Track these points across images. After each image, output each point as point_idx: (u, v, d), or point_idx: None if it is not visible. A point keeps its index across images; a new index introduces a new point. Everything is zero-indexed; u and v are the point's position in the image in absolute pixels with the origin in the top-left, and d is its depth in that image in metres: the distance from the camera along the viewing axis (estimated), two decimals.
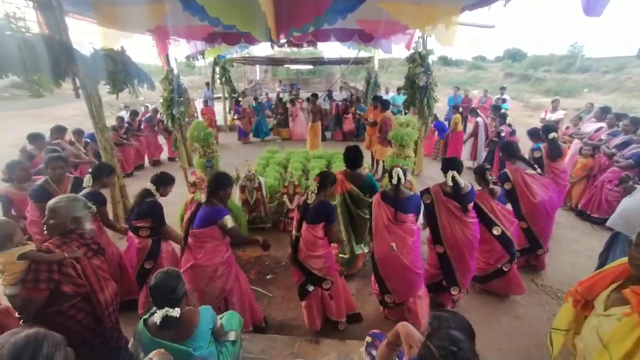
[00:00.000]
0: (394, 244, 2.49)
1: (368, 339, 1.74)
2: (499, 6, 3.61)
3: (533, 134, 4.65)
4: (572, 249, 4.10)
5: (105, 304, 1.88)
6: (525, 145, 4.61)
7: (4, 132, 10.54)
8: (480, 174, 3.00)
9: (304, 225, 2.55)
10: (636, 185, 2.71)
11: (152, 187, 2.66)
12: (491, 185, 2.99)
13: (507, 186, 3.32)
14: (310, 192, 2.57)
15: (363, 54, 9.89)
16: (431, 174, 6.65)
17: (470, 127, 7.59)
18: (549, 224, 3.53)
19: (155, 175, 2.78)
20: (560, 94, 16.99)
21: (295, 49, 13.23)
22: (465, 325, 1.28)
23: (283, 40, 7.07)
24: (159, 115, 8.07)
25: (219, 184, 2.49)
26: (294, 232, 2.67)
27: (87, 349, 1.82)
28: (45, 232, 1.87)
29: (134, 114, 7.82)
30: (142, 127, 7.80)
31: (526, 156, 3.72)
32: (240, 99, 10.90)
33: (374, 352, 1.64)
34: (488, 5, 3.77)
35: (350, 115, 10.00)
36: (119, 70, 4.39)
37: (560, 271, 3.64)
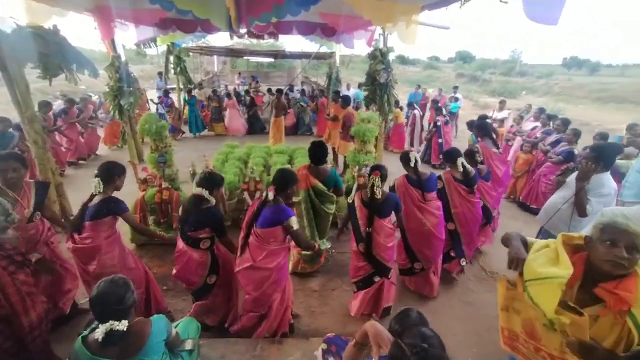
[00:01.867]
0: (426, 221, 2.86)
1: (323, 345, 1.69)
2: (454, 8, 3.78)
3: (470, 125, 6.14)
4: None
5: (29, 327, 1.63)
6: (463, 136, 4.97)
7: None
8: (470, 156, 3.40)
9: (377, 220, 2.59)
10: (565, 180, 3.02)
11: (205, 192, 2.25)
12: (479, 165, 3.44)
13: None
14: (376, 187, 2.53)
15: (325, 49, 9.88)
16: (391, 169, 6.84)
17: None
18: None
19: (201, 177, 2.36)
20: (503, 95, 18.60)
21: (255, 41, 12.81)
22: (424, 320, 1.30)
23: (243, 31, 6.78)
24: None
25: (287, 181, 2.33)
26: (362, 228, 2.65)
27: None
28: None
29: (70, 102, 6.96)
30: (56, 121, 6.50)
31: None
32: (197, 90, 10.31)
33: (331, 359, 1.60)
34: (446, 6, 3.93)
35: (291, 110, 9.94)
36: (53, 53, 3.87)
37: (504, 258, 3.95)
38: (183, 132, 9.29)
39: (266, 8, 3.36)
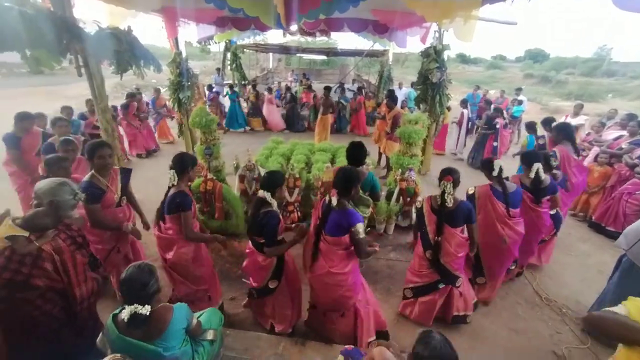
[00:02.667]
0: (506, 238, 2.69)
1: (340, 357, 1.61)
2: (522, 1, 3.36)
3: (529, 126, 5.64)
4: (582, 262, 3.89)
5: (80, 298, 1.81)
6: None
7: (17, 109, 10.71)
8: (544, 160, 3.12)
9: (448, 228, 2.45)
10: None
11: (267, 194, 2.13)
12: (554, 171, 3.22)
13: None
14: (447, 194, 2.37)
15: (378, 46, 9.61)
16: (434, 172, 6.43)
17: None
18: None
19: (264, 177, 2.24)
20: (582, 98, 16.27)
21: (309, 39, 12.96)
22: (449, 356, 1.14)
23: (294, 28, 6.87)
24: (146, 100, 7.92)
25: (349, 181, 2.14)
26: (431, 236, 2.53)
27: (55, 337, 1.76)
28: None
29: (131, 96, 7.28)
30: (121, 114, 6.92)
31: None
32: (249, 85, 10.76)
33: None
34: None
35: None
36: (124, 50, 4.30)
37: (568, 286, 3.45)
38: (226, 129, 9.30)
39: (314, 4, 3.33)
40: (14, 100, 12.10)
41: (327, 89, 8.24)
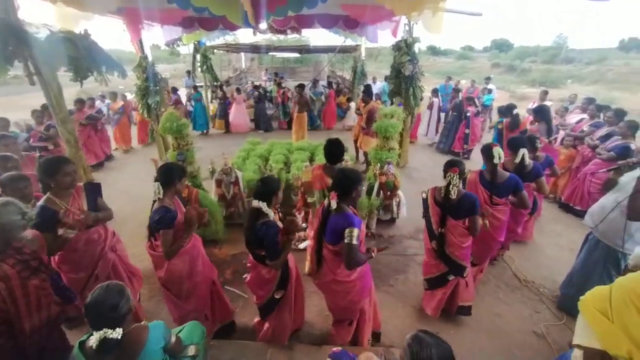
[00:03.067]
0: (487, 222, 2.65)
1: None
2: None
3: (500, 111, 6.15)
4: (555, 242, 4.08)
5: (31, 330, 1.65)
6: None
7: None
8: (530, 142, 3.27)
9: (451, 220, 2.45)
10: (618, 180, 2.62)
11: (263, 204, 1.97)
12: (538, 153, 3.35)
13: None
14: (452, 186, 2.33)
15: (350, 41, 9.63)
16: (417, 166, 6.55)
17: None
18: None
19: (258, 185, 2.07)
20: (545, 85, 17.16)
21: (280, 37, 12.80)
22: (446, 355, 1.13)
23: (264, 27, 6.74)
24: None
25: (348, 182, 1.99)
26: (435, 227, 2.55)
27: None
28: None
29: (80, 102, 6.59)
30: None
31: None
32: (223, 87, 10.49)
33: None
34: None
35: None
36: (82, 56, 4.04)
37: (544, 265, 3.60)
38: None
39: (281, 1, 3.24)
40: None
41: (301, 87, 8.17)
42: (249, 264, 2.28)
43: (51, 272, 1.89)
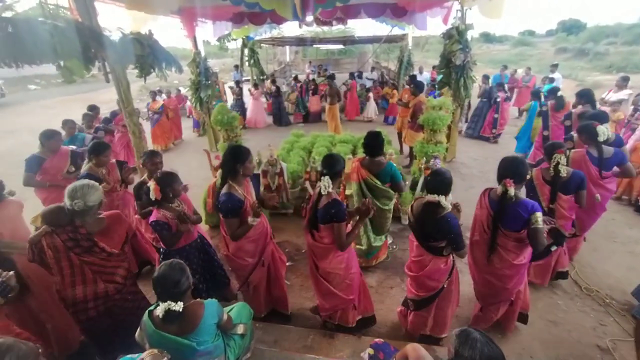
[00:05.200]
0: (598, 196, 2.88)
1: (370, 350, 1.60)
2: None
3: (534, 94, 6.35)
4: (629, 249, 3.62)
5: (73, 300, 1.88)
6: None
7: (55, 117, 11.45)
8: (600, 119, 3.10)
9: (562, 196, 2.67)
10: None
11: (441, 198, 1.97)
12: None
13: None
14: (561, 165, 2.56)
15: (396, 31, 9.28)
16: (465, 161, 6.19)
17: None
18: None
19: (431, 180, 2.08)
20: (625, 70, 14.88)
21: (325, 28, 12.75)
22: (495, 358, 1.09)
23: (310, 19, 6.77)
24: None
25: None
26: (545, 204, 2.71)
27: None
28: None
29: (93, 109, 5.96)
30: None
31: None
32: (266, 81, 10.80)
33: None
34: None
35: (317, 96, 9.62)
36: (147, 54, 4.44)
37: (612, 274, 3.22)
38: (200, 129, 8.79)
39: None
40: (53, 110, 12.97)
41: (331, 78, 8.08)
42: (416, 258, 2.26)
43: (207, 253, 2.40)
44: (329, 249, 2.22)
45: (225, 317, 1.68)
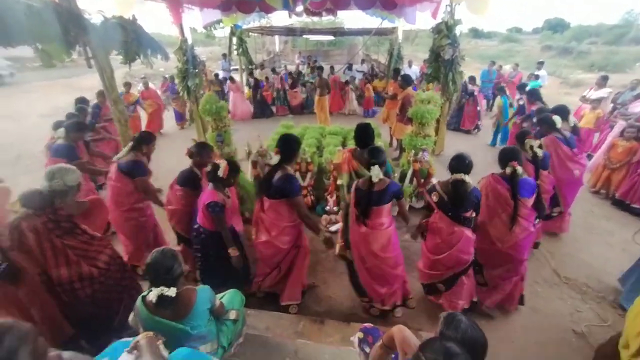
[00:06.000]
0: (577, 171, 3.40)
1: (359, 334, 1.65)
2: None
3: (500, 89, 6.99)
4: (606, 240, 3.80)
5: (58, 280, 1.89)
6: None
7: (35, 102, 10.94)
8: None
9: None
10: None
11: (466, 177, 2.34)
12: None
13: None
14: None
15: (387, 24, 9.26)
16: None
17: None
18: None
19: (455, 160, 2.42)
20: (606, 69, 15.37)
21: (315, 19, 12.61)
22: (477, 340, 1.14)
23: (300, 9, 6.67)
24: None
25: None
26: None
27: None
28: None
29: (102, 95, 5.33)
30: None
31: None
32: (258, 70, 10.63)
33: (367, 349, 1.55)
34: None
35: (297, 89, 9.54)
36: (131, 40, 4.28)
37: (589, 264, 3.38)
38: (186, 120, 8.58)
39: None
40: (33, 94, 12.40)
41: (320, 69, 8.02)
42: (449, 234, 2.46)
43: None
44: (389, 234, 2.41)
45: (217, 302, 1.70)
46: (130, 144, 2.96)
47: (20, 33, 3.03)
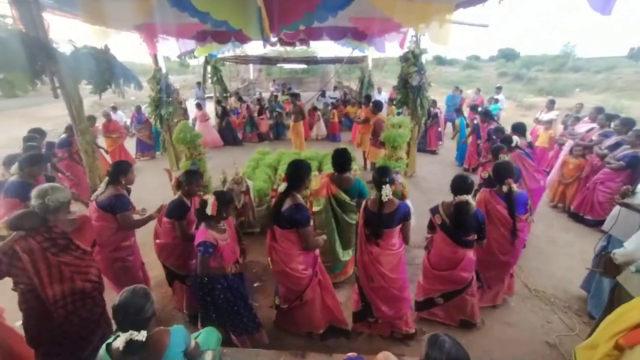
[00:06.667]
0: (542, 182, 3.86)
1: None
2: (493, 4, 3.53)
3: (457, 110, 8.15)
4: (566, 251, 4.05)
5: (53, 297, 1.92)
6: None
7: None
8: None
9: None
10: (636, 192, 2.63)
11: (469, 197, 2.38)
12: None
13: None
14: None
15: (357, 53, 9.80)
16: (424, 175, 6.58)
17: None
18: None
19: (460, 182, 2.42)
20: (552, 94, 17.05)
21: (289, 48, 13.10)
22: (461, 359, 1.18)
23: (274, 39, 6.93)
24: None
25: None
26: None
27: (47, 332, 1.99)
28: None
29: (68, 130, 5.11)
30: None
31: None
32: (230, 98, 10.71)
33: None
34: (482, 2, 3.69)
35: (264, 116, 9.78)
36: (102, 70, 4.23)
37: (554, 275, 3.57)
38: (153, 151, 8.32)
39: (297, 16, 3.38)
40: None
41: (295, 96, 8.26)
42: (452, 254, 2.53)
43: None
44: (399, 255, 2.41)
45: (192, 344, 1.60)
46: (107, 178, 2.78)
47: None
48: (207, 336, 1.93)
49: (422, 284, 2.86)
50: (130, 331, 1.33)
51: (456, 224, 2.44)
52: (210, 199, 2.17)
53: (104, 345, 1.41)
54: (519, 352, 2.63)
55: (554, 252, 4.03)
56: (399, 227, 2.38)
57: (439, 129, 8.30)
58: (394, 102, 6.86)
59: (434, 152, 8.23)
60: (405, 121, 4.74)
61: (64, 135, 5.22)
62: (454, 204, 2.45)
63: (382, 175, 2.33)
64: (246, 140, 9.61)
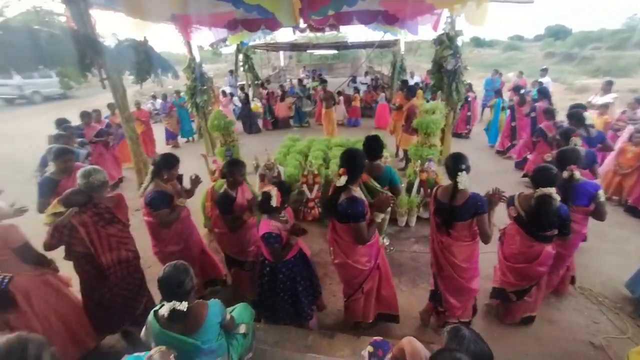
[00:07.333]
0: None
1: (370, 348, 1.63)
2: None
3: (497, 92, 7.81)
4: (620, 248, 3.71)
5: (107, 264, 2.19)
6: None
7: (49, 123, 11.30)
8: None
9: None
10: None
11: (552, 190, 2.16)
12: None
13: None
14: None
15: (389, 36, 9.44)
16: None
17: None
18: None
19: (546, 175, 2.21)
20: (611, 74, 15.27)
21: (318, 34, 12.92)
22: (482, 353, 1.14)
23: (303, 25, 6.87)
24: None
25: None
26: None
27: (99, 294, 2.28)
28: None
29: (85, 116, 5.40)
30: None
31: None
32: (266, 85, 10.84)
33: None
34: None
35: (285, 102, 9.61)
36: (142, 60, 4.47)
37: (604, 273, 3.30)
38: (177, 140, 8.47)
39: (324, 1, 3.31)
40: (48, 114, 12.86)
41: (324, 82, 8.13)
42: (526, 249, 2.39)
43: None
44: (473, 247, 2.27)
45: (228, 316, 1.71)
46: (151, 168, 2.66)
47: (42, 59, 3.22)
48: (242, 311, 2.04)
49: (497, 272, 2.73)
50: (174, 301, 1.45)
51: (534, 219, 2.23)
52: (273, 191, 2.13)
53: (152, 312, 1.55)
54: (558, 351, 2.49)
55: (605, 249, 3.70)
56: (471, 220, 2.17)
57: (468, 113, 8.02)
58: (426, 87, 6.61)
59: (461, 136, 8.03)
60: (439, 107, 4.53)
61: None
62: (534, 197, 2.20)
63: (456, 162, 2.16)
64: (267, 127, 9.75)
